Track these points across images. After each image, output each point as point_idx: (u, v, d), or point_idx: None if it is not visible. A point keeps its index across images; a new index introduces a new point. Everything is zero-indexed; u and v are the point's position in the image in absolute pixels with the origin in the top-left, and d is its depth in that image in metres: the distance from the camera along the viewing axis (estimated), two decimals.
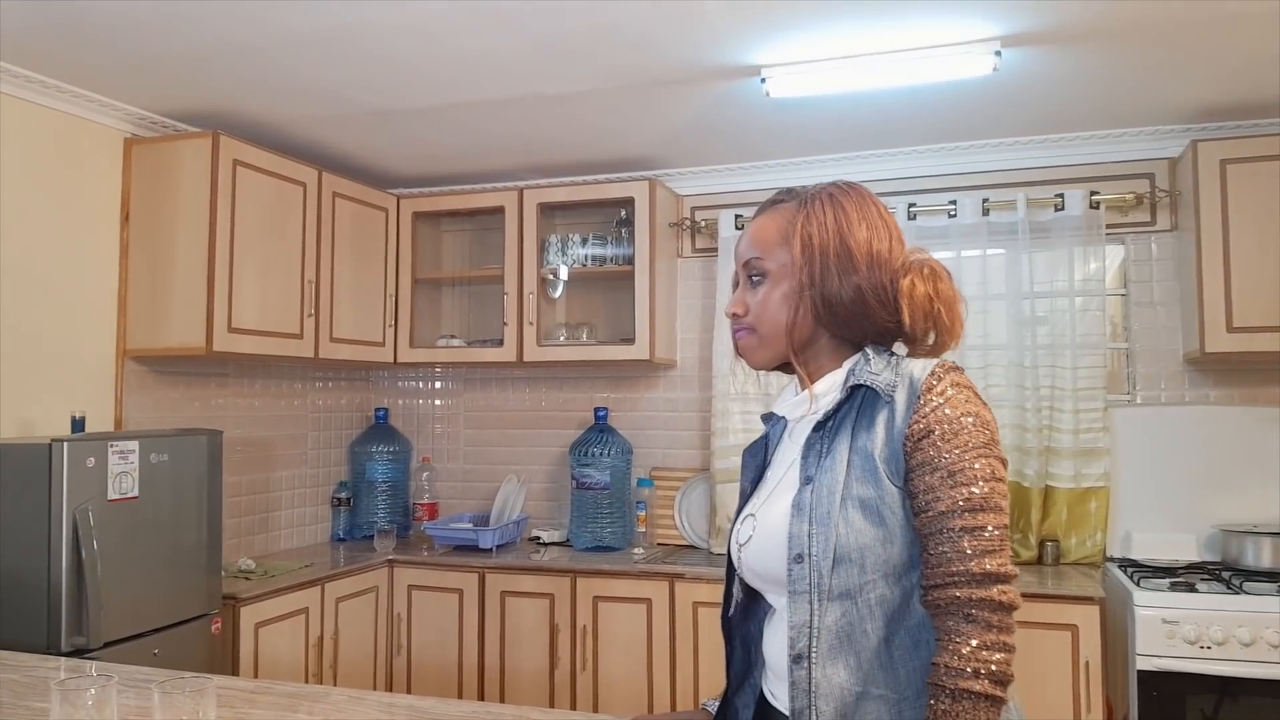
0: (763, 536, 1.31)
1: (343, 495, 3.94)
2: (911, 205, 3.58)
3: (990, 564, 1.17)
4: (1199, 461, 3.36)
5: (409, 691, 3.57)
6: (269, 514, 3.73)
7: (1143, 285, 3.51)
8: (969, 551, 1.16)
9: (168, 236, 3.12)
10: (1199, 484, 3.35)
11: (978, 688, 1.13)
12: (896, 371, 1.27)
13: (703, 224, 3.86)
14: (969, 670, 1.14)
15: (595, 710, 3.34)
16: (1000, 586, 1.17)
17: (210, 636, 2.85)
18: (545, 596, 3.40)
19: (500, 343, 3.78)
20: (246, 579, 3.20)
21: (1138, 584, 2.92)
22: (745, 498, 1.43)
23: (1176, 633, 2.78)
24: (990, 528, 1.17)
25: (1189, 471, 3.37)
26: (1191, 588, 2.86)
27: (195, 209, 3.09)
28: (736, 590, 1.43)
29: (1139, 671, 2.80)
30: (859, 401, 1.29)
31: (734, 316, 1.37)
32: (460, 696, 3.49)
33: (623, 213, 3.78)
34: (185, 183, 3.10)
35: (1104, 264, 3.45)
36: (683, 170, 3.82)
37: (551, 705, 3.38)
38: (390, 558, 3.60)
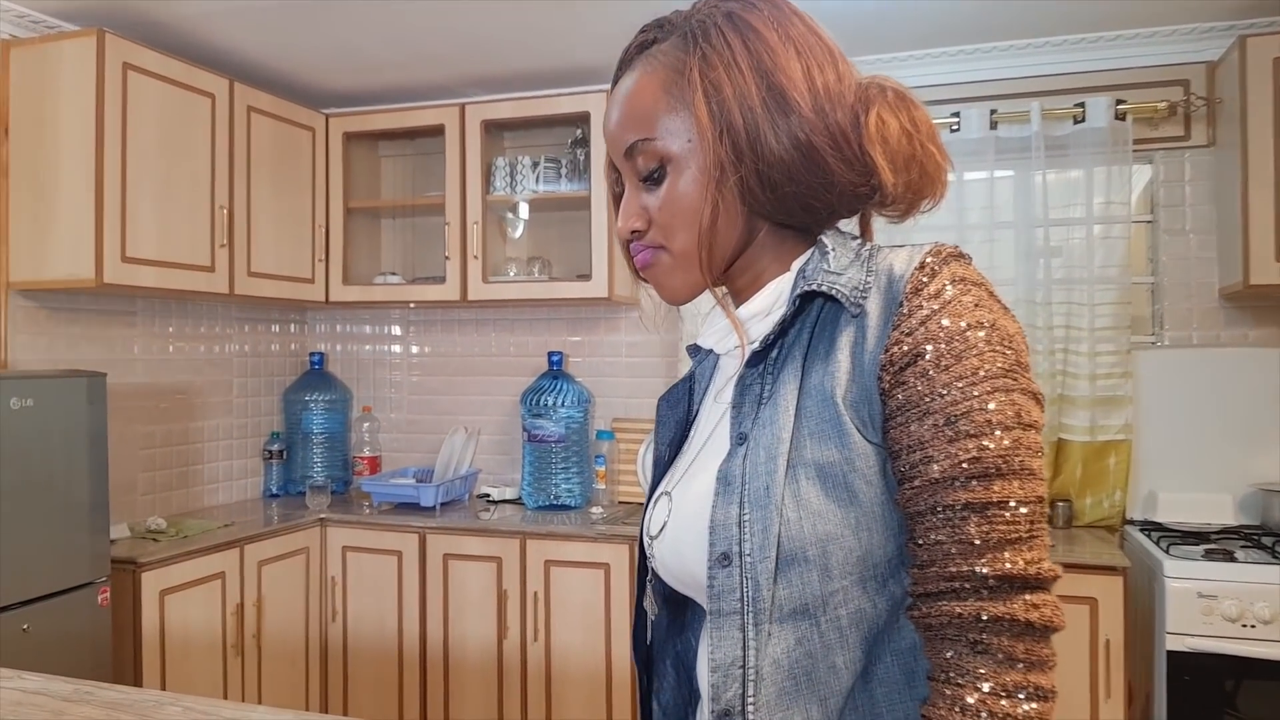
0: (678, 526, 0.93)
1: (275, 448, 3.64)
2: None
3: (1012, 560, 0.78)
4: (1235, 411, 3.01)
5: (345, 663, 3.30)
6: (189, 468, 3.44)
7: (1174, 210, 3.12)
8: (977, 542, 0.78)
9: (51, 153, 2.78)
10: (1235, 437, 3.01)
11: None
12: (868, 266, 0.88)
13: None
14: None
15: (549, 685, 3.05)
16: (1029, 596, 0.79)
17: (97, 607, 2.56)
18: (492, 560, 3.11)
19: (443, 279, 3.44)
20: (155, 540, 2.91)
21: (1167, 551, 2.60)
22: (661, 468, 1.04)
23: (1215, 609, 2.46)
24: (1013, 503, 0.78)
25: (1224, 422, 3.02)
26: (1230, 556, 2.54)
27: (80, 121, 2.74)
28: (651, 604, 1.04)
29: (1169, 652, 2.49)
30: (814, 318, 0.90)
31: (633, 234, 0.95)
32: (401, 668, 3.21)
33: (578, 131, 3.40)
34: (68, 90, 2.76)
35: (1129, 185, 3.06)
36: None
37: (500, 678, 3.10)
38: (322, 516, 3.30)
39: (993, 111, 3.14)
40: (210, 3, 2.77)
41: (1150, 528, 2.92)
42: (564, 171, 3.40)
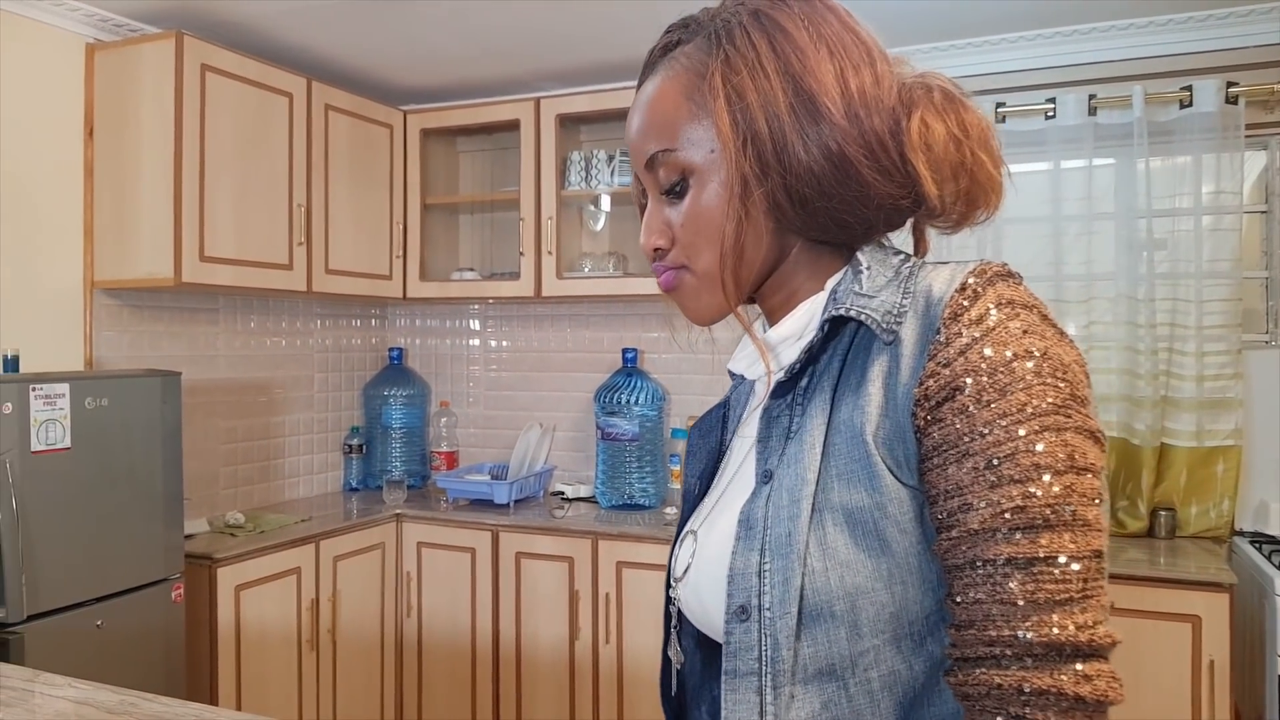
0: (700, 570, 0.81)
1: (354, 442, 3.52)
2: (1000, 105, 2.89)
3: (1060, 625, 0.65)
4: None
5: (420, 660, 3.16)
6: (270, 462, 3.34)
7: None
8: (1021, 602, 0.65)
9: (132, 153, 2.69)
10: None
11: None
12: (905, 287, 0.74)
13: None
14: None
15: (621, 688, 2.87)
16: (1080, 666, 0.65)
17: (170, 604, 2.46)
18: (564, 560, 2.93)
19: (517, 275, 3.26)
20: (233, 535, 2.81)
21: (1279, 567, 2.28)
22: (690, 502, 0.91)
23: None
24: (1063, 559, 0.65)
25: None
26: None
27: (160, 121, 2.64)
28: (677, 652, 0.89)
29: None
30: (847, 344, 0.77)
31: (656, 251, 0.83)
32: (474, 666, 3.06)
33: None
34: (149, 92, 2.66)
35: (1241, 173, 2.71)
36: None
37: (572, 680, 2.93)
38: (398, 512, 3.17)
39: (1091, 97, 2.82)
40: (287, 2, 2.63)
41: (1261, 540, 2.60)
42: None
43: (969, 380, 0.68)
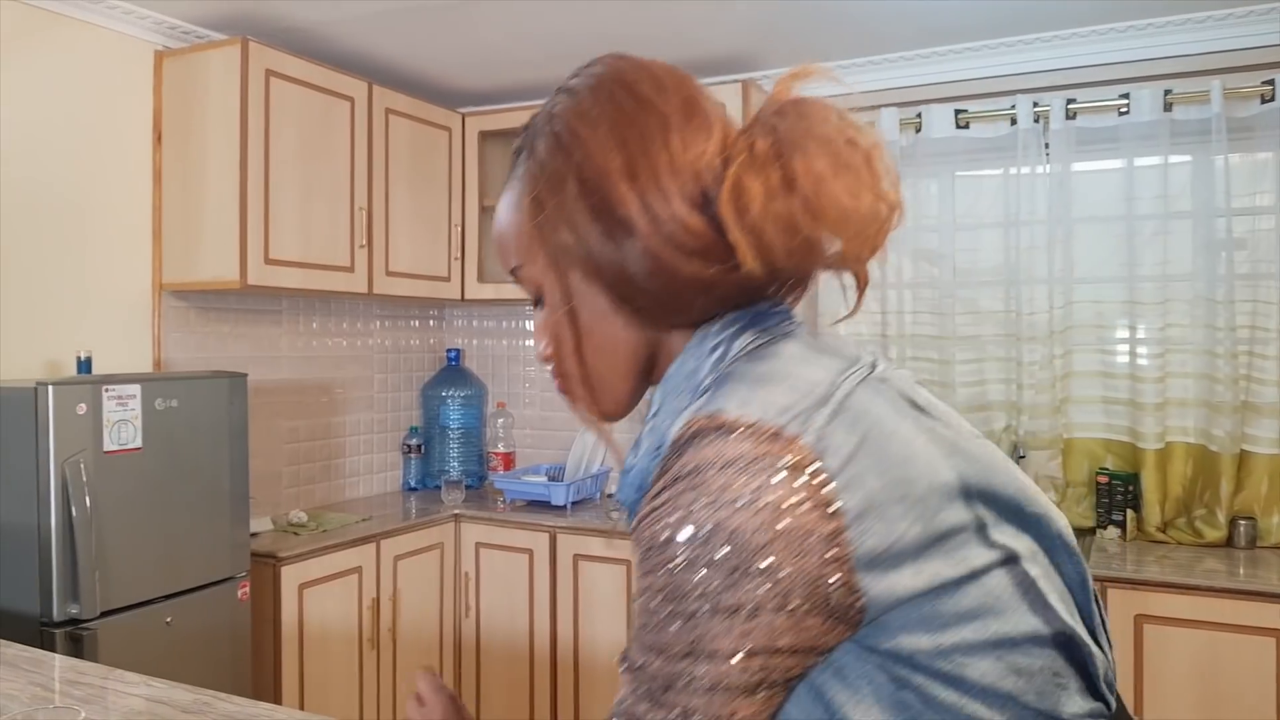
0: None
1: (413, 442, 3.52)
2: (1070, 102, 2.78)
3: None
4: None
5: (478, 660, 3.14)
6: (331, 461, 3.35)
7: None
8: None
9: (199, 158, 2.71)
10: None
11: None
12: (673, 414, 0.73)
13: None
14: None
15: None
16: None
17: (237, 602, 2.46)
18: (622, 563, 2.88)
19: None
20: (296, 534, 2.81)
21: None
22: None
23: None
24: None
25: None
26: None
27: (226, 126, 2.65)
28: None
29: None
30: None
31: (546, 360, 0.82)
32: (532, 667, 3.03)
33: None
34: (215, 98, 2.67)
35: None
36: (781, 71, 3.08)
37: None
38: (456, 512, 3.15)
39: (1167, 92, 2.69)
40: (349, 5, 2.62)
41: None
42: None
43: (638, 552, 0.66)
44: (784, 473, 0.61)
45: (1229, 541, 2.65)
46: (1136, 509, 2.76)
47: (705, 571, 0.62)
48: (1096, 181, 2.82)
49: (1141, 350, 2.75)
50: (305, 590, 2.67)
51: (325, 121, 2.87)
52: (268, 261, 2.70)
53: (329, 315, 3.35)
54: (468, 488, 3.40)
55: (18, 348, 2.44)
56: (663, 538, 0.63)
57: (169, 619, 2.29)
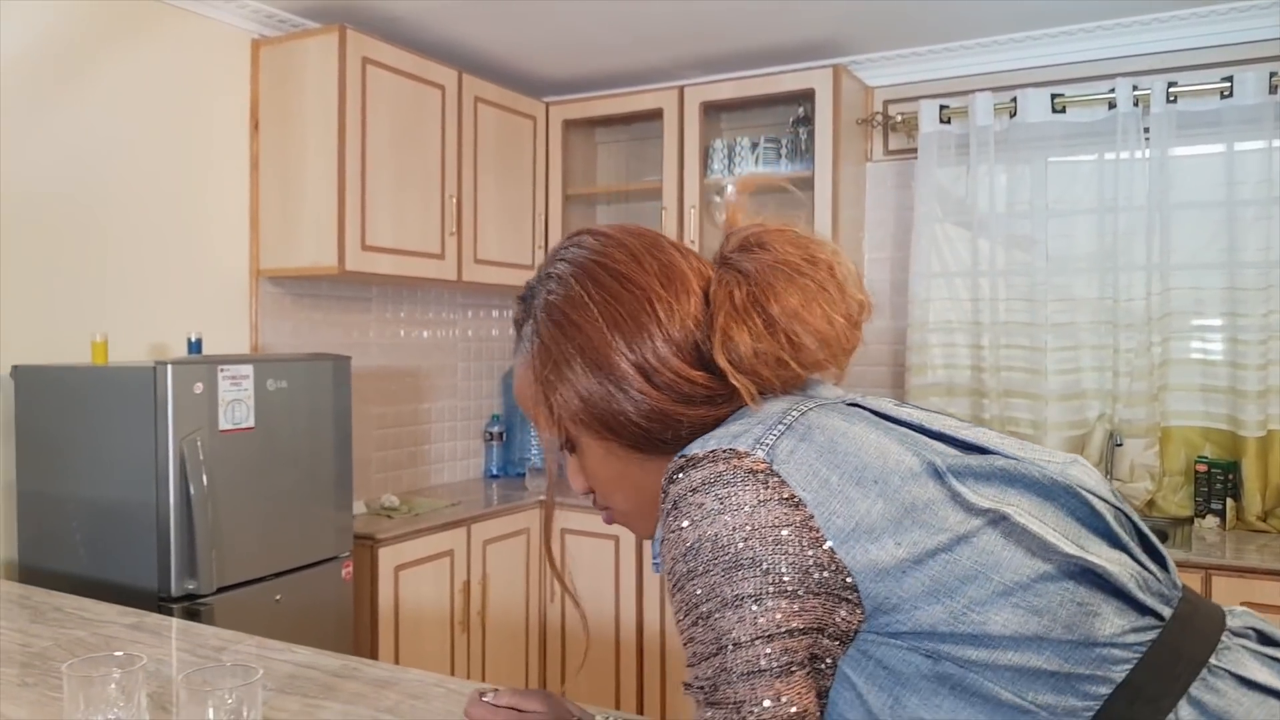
0: None
1: (495, 430, 3.49)
2: (1171, 85, 2.69)
3: None
4: None
5: (563, 644, 3.11)
6: (417, 448, 3.33)
7: None
8: None
9: (297, 145, 2.69)
10: None
11: None
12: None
13: (898, 119, 3.07)
14: None
15: None
16: None
17: (340, 581, 2.44)
18: None
19: None
20: (389, 517, 2.79)
21: None
22: None
23: None
24: None
25: None
26: None
27: (323, 114, 2.64)
28: None
29: None
30: None
31: (588, 494, 0.91)
32: (618, 652, 2.99)
33: (800, 110, 3.07)
34: (312, 85, 2.66)
35: None
36: (873, 56, 3.04)
37: None
38: (542, 498, 3.12)
39: (1272, 74, 2.60)
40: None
41: None
42: (784, 152, 3.07)
43: (666, 577, 0.74)
44: (745, 480, 0.70)
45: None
46: (1236, 498, 2.66)
47: (704, 577, 0.70)
48: (1195, 166, 2.73)
49: (1243, 337, 2.66)
50: (401, 572, 2.65)
51: (417, 109, 2.85)
52: (364, 248, 2.69)
53: (415, 304, 3.33)
54: None
55: (123, 333, 2.43)
56: (668, 567, 0.73)
57: (278, 596, 2.28)
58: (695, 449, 0.74)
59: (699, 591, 0.70)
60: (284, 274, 2.76)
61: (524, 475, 3.33)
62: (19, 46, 2.24)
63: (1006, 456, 0.74)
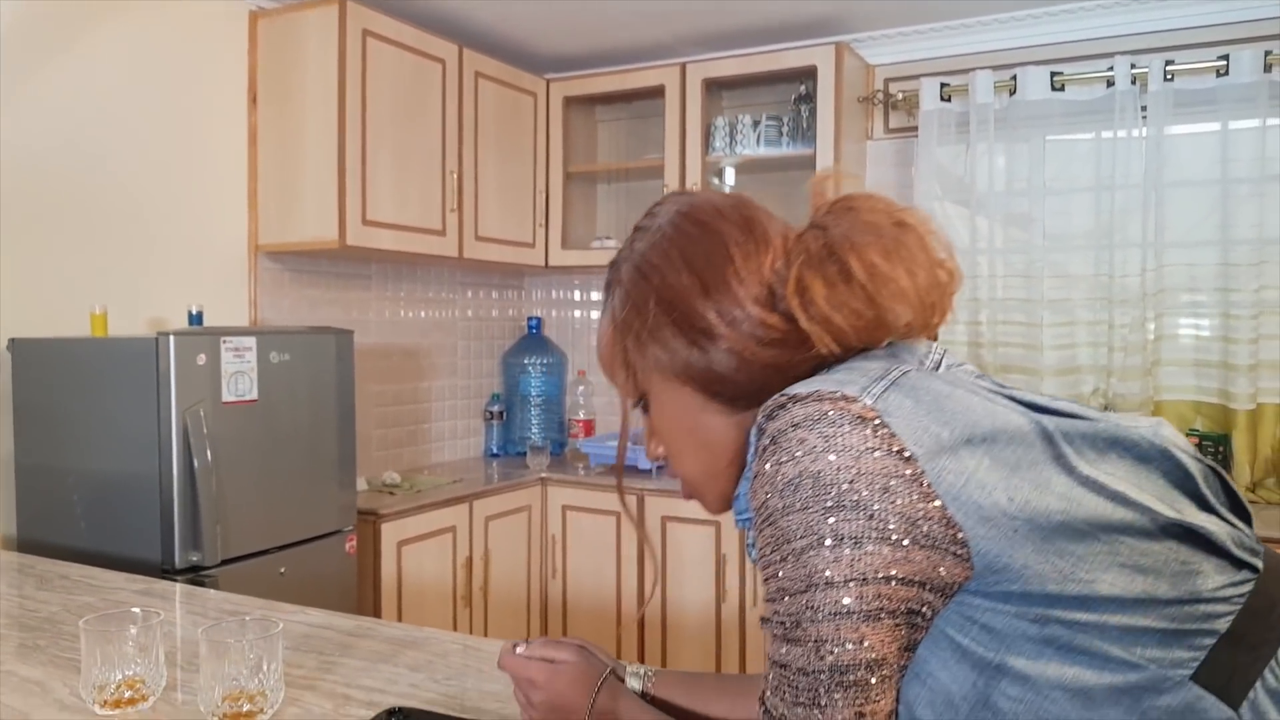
0: None
1: (495, 409, 3.46)
2: (1168, 64, 2.69)
3: (772, 706, 0.71)
4: None
5: (565, 619, 3.08)
6: (417, 426, 3.29)
7: None
8: (768, 692, 0.72)
9: (296, 119, 2.64)
10: None
11: None
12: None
13: (899, 97, 3.06)
14: None
15: None
16: None
17: (344, 555, 2.41)
18: (710, 524, 2.82)
19: None
20: (391, 493, 2.76)
21: None
22: None
23: None
24: (794, 668, 0.69)
25: None
26: None
27: (323, 87, 2.59)
28: None
29: None
30: None
31: (656, 459, 0.90)
32: (619, 626, 2.97)
33: (802, 88, 3.04)
34: (312, 58, 2.60)
35: None
36: (874, 33, 3.02)
37: (719, 641, 2.82)
38: (543, 476, 3.09)
39: (1267, 53, 2.59)
40: None
41: None
42: (786, 130, 3.05)
43: (752, 512, 0.73)
44: (854, 424, 0.68)
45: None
46: (1227, 469, 2.67)
47: (801, 513, 0.68)
48: (1191, 144, 2.73)
49: (1234, 312, 2.66)
50: (404, 547, 2.62)
51: (418, 84, 2.81)
52: (365, 223, 2.64)
53: (415, 282, 3.28)
54: (551, 454, 3.34)
55: (122, 307, 2.38)
56: (759, 502, 0.71)
57: (282, 569, 2.24)
58: (799, 388, 0.72)
59: (794, 527, 0.68)
60: (284, 249, 2.71)
61: (524, 454, 3.29)
62: (15, 18, 2.18)
63: (1108, 421, 0.73)
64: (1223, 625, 0.66)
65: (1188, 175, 2.73)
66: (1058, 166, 2.86)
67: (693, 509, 2.78)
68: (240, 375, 2.14)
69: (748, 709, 0.91)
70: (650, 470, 3.04)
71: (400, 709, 1.01)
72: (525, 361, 3.50)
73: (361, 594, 2.51)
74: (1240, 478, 2.65)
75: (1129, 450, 0.72)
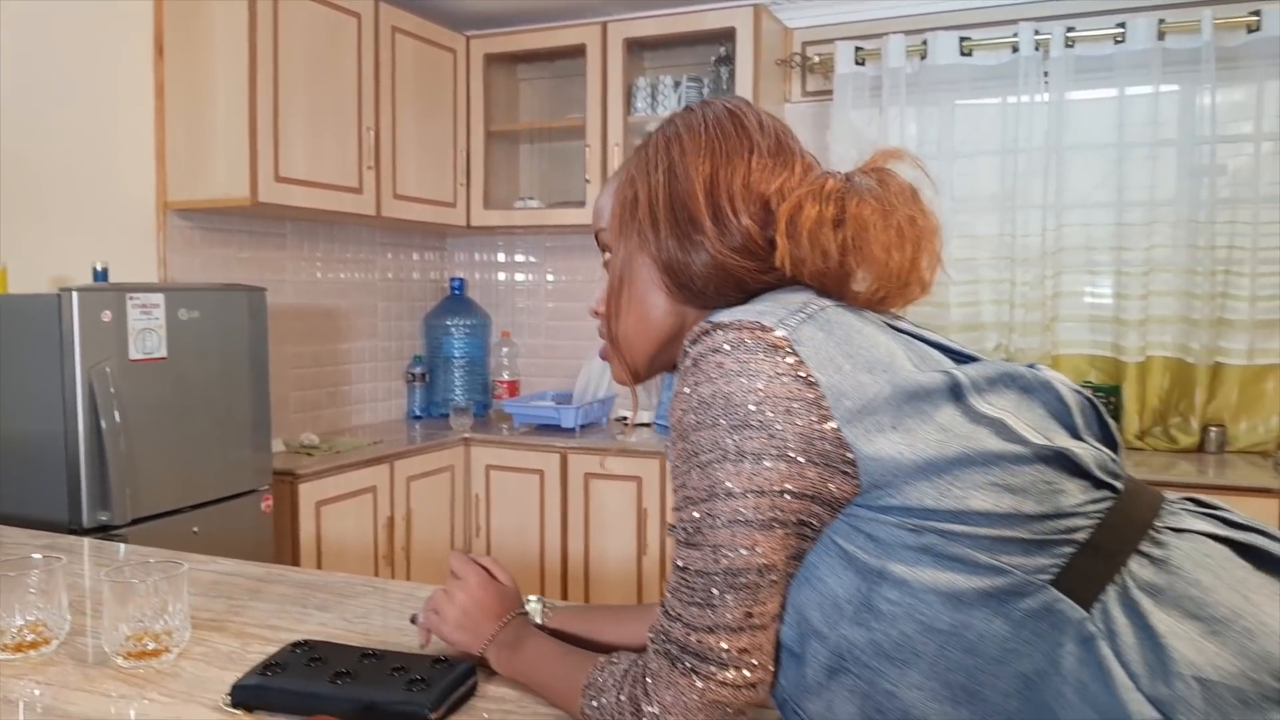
0: None
1: (417, 371, 3.43)
2: (1070, 31, 2.78)
3: (676, 610, 0.76)
4: None
5: None
6: (337, 388, 3.24)
7: None
8: (668, 594, 0.78)
9: (205, 72, 2.56)
10: None
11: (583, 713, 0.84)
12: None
13: (815, 60, 3.10)
14: (590, 697, 0.83)
15: None
16: (689, 661, 0.75)
17: (260, 514, 2.38)
18: (633, 480, 2.86)
19: (582, 203, 3.15)
20: (309, 454, 2.72)
21: None
22: None
23: None
24: (691, 571, 0.76)
25: None
26: None
27: (233, 39, 2.51)
28: None
29: None
30: None
31: (595, 314, 0.95)
32: (543, 581, 3.00)
33: (722, 49, 3.06)
34: (221, 8, 2.52)
35: None
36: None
37: (639, 594, 2.88)
38: (466, 436, 3.09)
39: (1160, 21, 2.71)
40: None
41: None
42: (706, 91, 3.06)
43: (669, 427, 0.79)
44: (767, 351, 0.73)
45: (1200, 448, 2.75)
46: (1117, 418, 2.82)
47: (711, 430, 0.73)
48: (1090, 109, 2.84)
49: (1127, 270, 2.80)
50: (323, 508, 2.59)
51: (332, 37, 2.74)
52: (278, 179, 2.58)
53: (333, 242, 3.22)
54: (475, 415, 3.33)
55: (23, 265, 2.29)
56: (676, 418, 0.76)
57: (195, 528, 2.20)
58: (724, 316, 0.77)
59: (703, 441, 0.74)
60: (193, 206, 2.63)
61: (448, 416, 3.28)
62: None
63: (1000, 365, 0.80)
64: (1081, 537, 0.71)
65: (1086, 139, 2.84)
66: (966, 130, 2.94)
67: (615, 465, 2.84)
68: (148, 333, 2.09)
69: (638, 634, 0.95)
70: (573, 429, 3.06)
71: (305, 641, 1.01)
72: (448, 323, 3.47)
73: (279, 554, 2.48)
74: (1130, 426, 2.80)
75: (1015, 382, 0.78)
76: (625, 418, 3.30)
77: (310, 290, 3.13)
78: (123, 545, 1.58)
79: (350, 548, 2.67)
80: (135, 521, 2.05)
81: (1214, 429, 2.74)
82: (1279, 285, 2.67)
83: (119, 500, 2.00)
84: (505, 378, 3.50)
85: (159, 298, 2.10)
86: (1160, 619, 0.68)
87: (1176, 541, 0.73)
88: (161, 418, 2.12)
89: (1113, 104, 2.79)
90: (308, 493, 2.54)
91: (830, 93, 3.04)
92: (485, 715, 0.92)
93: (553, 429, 3.09)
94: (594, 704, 0.82)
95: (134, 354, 2.06)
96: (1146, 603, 0.69)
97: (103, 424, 1.97)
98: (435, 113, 3.17)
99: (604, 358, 0.94)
